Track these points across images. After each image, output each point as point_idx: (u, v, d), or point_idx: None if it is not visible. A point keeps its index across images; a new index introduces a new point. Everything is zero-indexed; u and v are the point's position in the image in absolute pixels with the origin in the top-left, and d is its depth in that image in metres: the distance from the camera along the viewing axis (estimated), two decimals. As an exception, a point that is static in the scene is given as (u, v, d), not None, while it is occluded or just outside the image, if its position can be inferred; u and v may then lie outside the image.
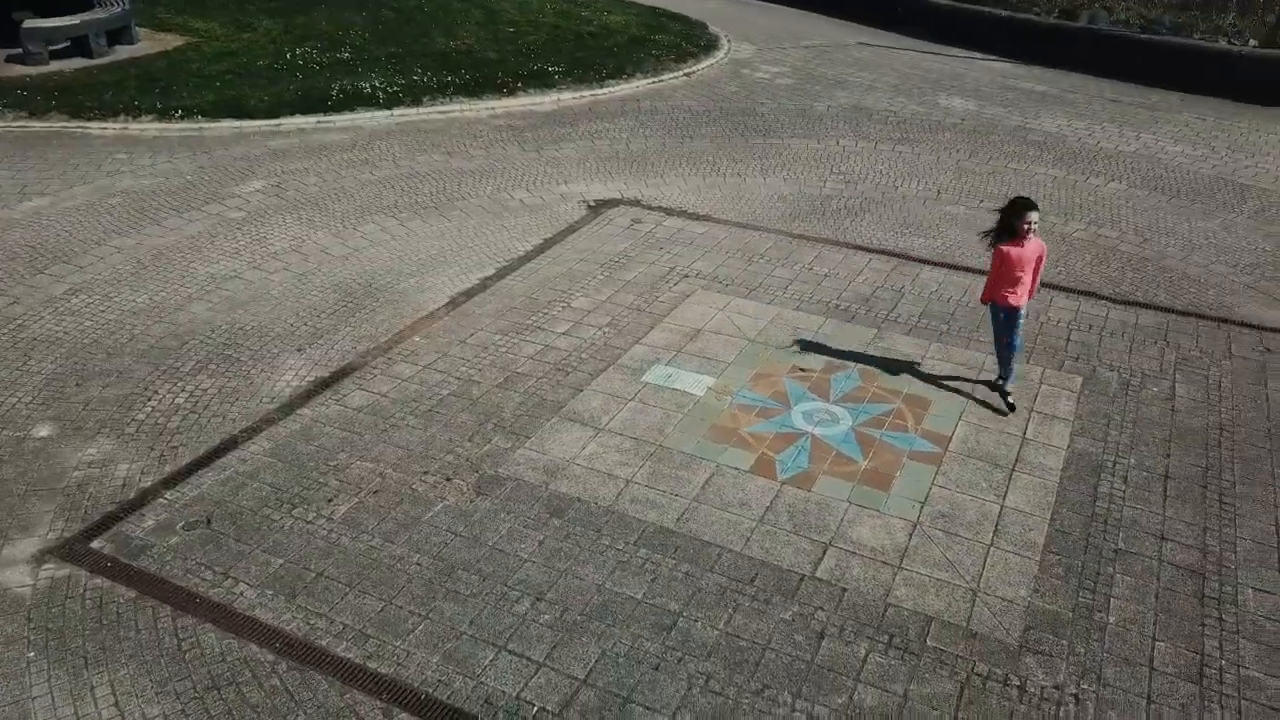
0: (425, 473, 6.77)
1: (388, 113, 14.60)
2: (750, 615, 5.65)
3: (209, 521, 6.24)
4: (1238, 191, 12.99)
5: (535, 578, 5.87)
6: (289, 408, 7.49)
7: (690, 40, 19.30)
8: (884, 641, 5.51)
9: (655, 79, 17.12)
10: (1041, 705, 5.14)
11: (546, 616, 5.59)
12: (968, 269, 10.29)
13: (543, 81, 16.05)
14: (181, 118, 13.80)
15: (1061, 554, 6.22)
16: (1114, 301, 9.71)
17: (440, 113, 14.87)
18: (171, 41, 17.20)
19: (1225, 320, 9.40)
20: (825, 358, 8.43)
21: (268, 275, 9.61)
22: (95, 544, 6.04)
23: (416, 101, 14.95)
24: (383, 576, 5.85)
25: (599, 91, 16.23)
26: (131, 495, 6.48)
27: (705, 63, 18.39)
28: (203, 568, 5.87)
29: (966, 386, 8.05)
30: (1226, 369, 8.50)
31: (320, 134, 13.85)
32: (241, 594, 5.68)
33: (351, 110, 14.49)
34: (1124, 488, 6.87)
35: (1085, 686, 5.25)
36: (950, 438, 7.37)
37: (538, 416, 7.45)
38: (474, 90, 15.45)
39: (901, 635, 5.55)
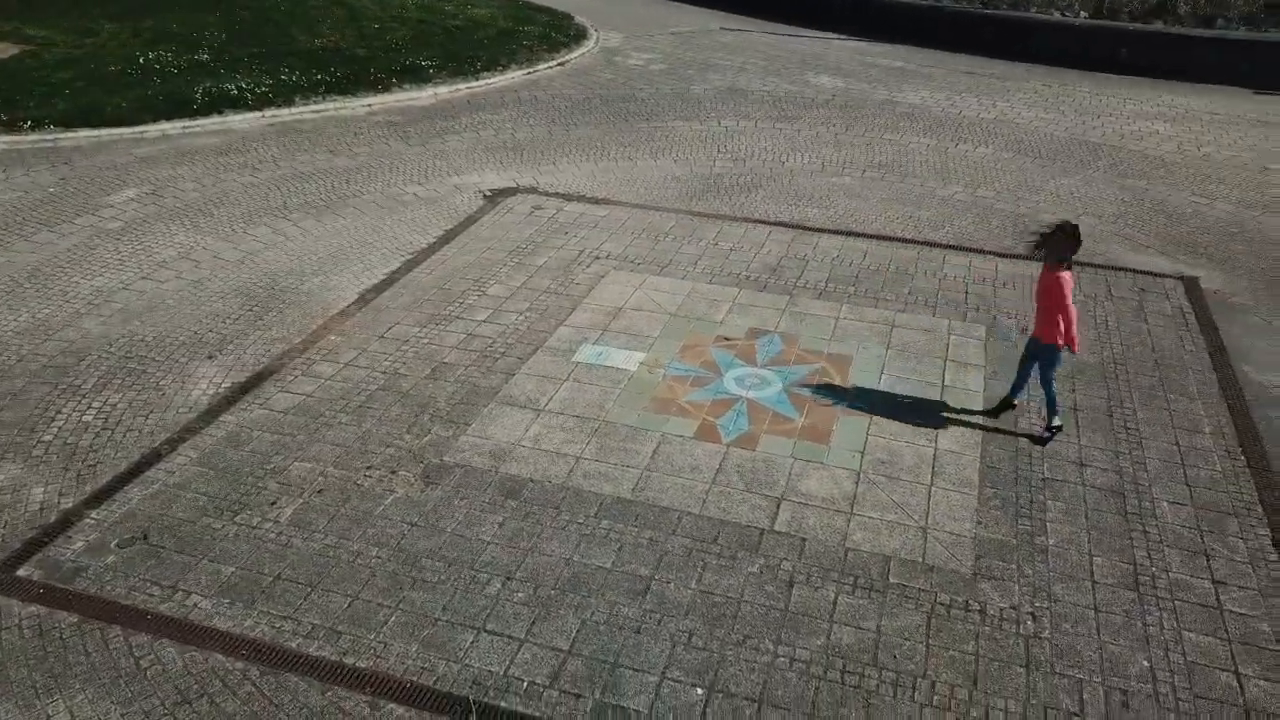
0: (369, 468, 6.60)
1: (259, 114, 14.03)
2: (719, 572, 5.76)
3: (145, 537, 5.92)
4: (1091, 150, 13.95)
5: (501, 559, 5.82)
6: (210, 415, 7.15)
7: (559, 31, 19.28)
8: (850, 583, 5.71)
9: (530, 69, 17.04)
10: (1003, 625, 5.45)
11: (520, 595, 5.56)
12: (863, 235, 10.71)
13: (417, 76, 15.74)
14: (31, 129, 12.90)
15: (996, 487, 6.59)
16: (1000, 255, 10.30)
17: (314, 112, 14.40)
18: (6, 50, 16.02)
19: (1101, 266, 10.11)
20: (746, 325, 8.62)
21: (160, 285, 9.13)
22: (22, 572, 5.64)
23: (288, 102, 14.43)
24: (344, 573, 5.68)
25: (475, 84, 16.04)
26: (53, 519, 6.08)
27: (577, 52, 18.41)
28: (148, 584, 5.56)
29: (884, 343, 8.39)
30: (1110, 310, 9.15)
31: (189, 139, 13.20)
32: (196, 605, 5.42)
33: (219, 113, 13.86)
34: (1039, 421, 7.31)
35: (1038, 604, 5.60)
36: (874, 390, 7.66)
37: (473, 403, 7.36)
38: (347, 88, 15.02)
39: (865, 575, 5.77)
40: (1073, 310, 6.70)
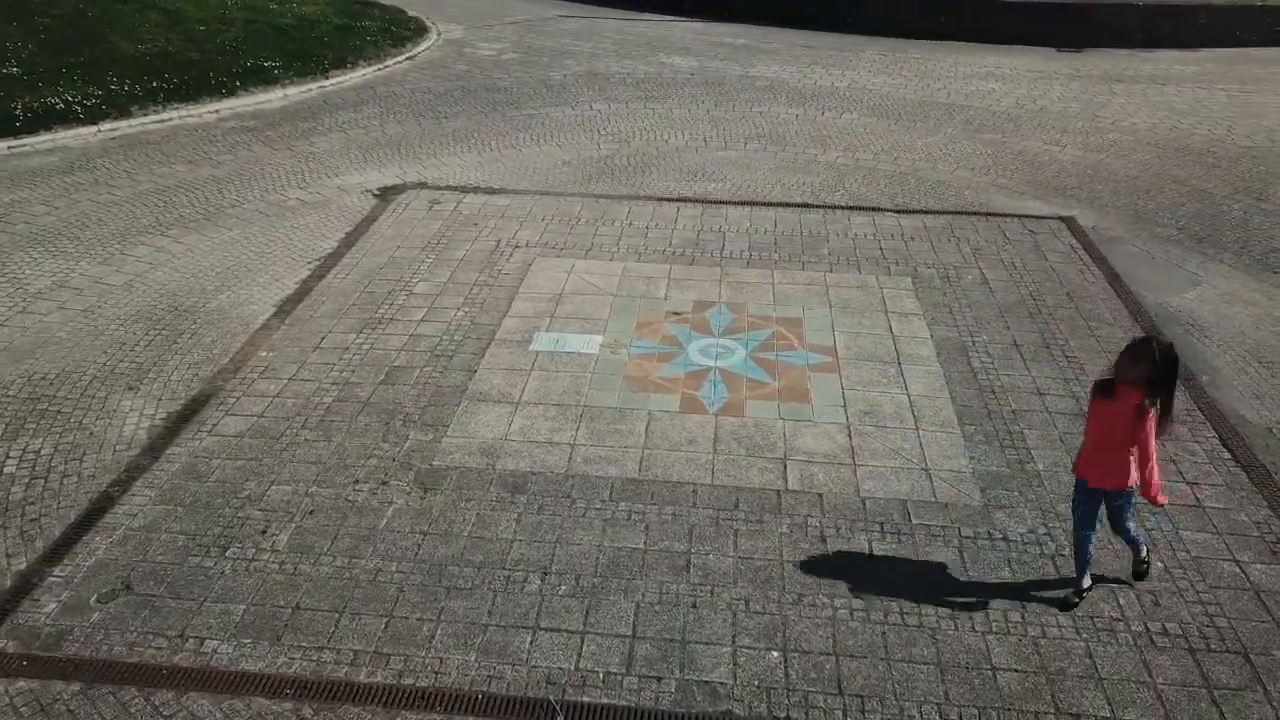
0: (355, 482, 6.18)
1: (94, 128, 12.79)
2: (752, 537, 5.76)
3: (129, 587, 5.31)
4: (945, 110, 14.79)
5: (531, 555, 5.59)
6: (154, 450, 6.49)
7: (397, 25, 18.61)
8: (876, 530, 5.84)
9: (380, 65, 16.36)
10: (1026, 549, 5.72)
11: (564, 588, 5.36)
12: (766, 204, 10.94)
13: (262, 78, 14.80)
14: None
15: (974, 424, 6.90)
16: (899, 212, 10.76)
17: (158, 122, 13.27)
18: None
19: (990, 214, 10.75)
20: (690, 299, 8.64)
21: (43, 318, 8.19)
22: (-6, 646, 4.94)
23: (124, 113, 13.23)
24: (369, 593, 5.30)
25: (326, 83, 15.25)
26: (8, 583, 5.35)
27: (423, 46, 17.83)
28: (150, 636, 5.00)
29: (825, 302, 8.60)
30: (1013, 252, 9.74)
31: (20, 159, 11.88)
32: (216, 651, 4.91)
33: (49, 130, 12.54)
34: (990, 360, 7.72)
35: (1051, 525, 5.91)
36: (834, 347, 7.86)
37: (443, 404, 7.02)
38: (188, 94, 13.93)
39: (889, 521, 5.92)
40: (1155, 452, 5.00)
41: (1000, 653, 4.98)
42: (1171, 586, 5.44)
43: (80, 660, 4.85)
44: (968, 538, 5.78)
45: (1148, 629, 5.15)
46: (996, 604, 5.30)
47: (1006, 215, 10.73)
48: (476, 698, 4.69)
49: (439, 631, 5.05)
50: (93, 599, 5.23)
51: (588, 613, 5.19)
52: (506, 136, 13.18)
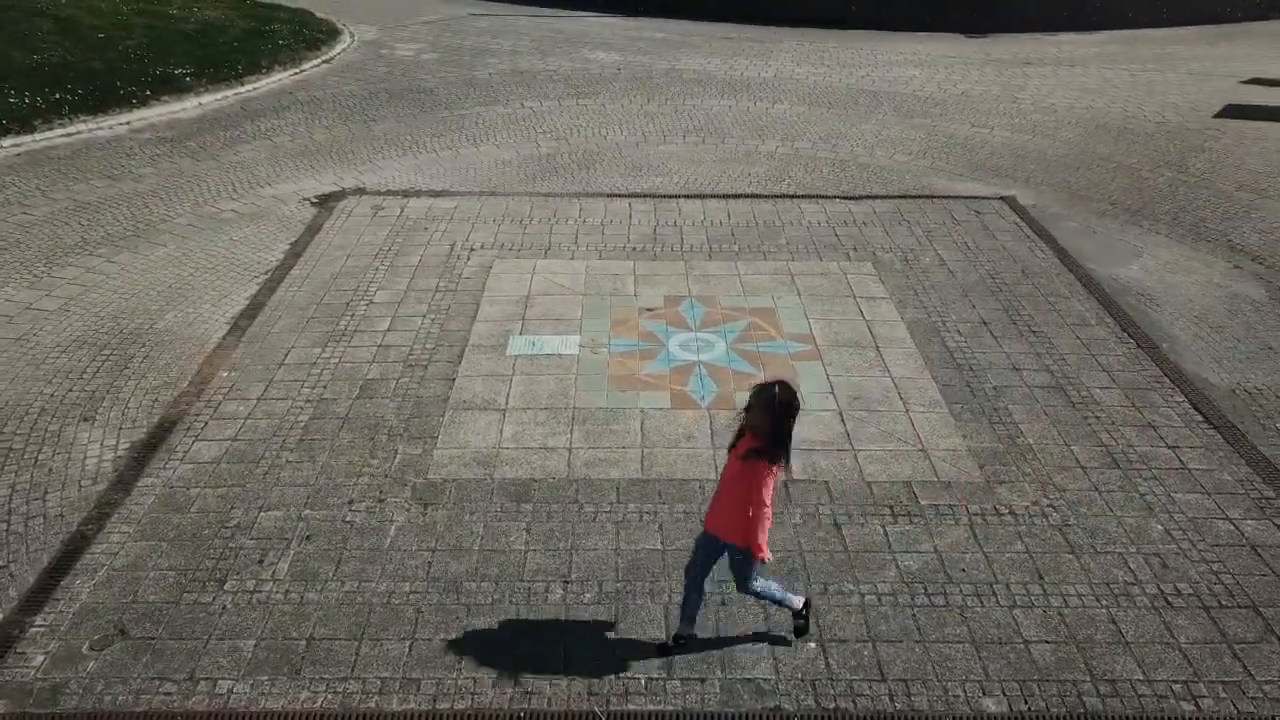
0: (349, 502, 5.91)
1: (-5, 145, 11.99)
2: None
3: (123, 631, 4.96)
4: (872, 97, 15.04)
5: (548, 564, 5.43)
6: (124, 483, 6.09)
7: (308, 27, 17.99)
8: (887, 513, 5.87)
9: (296, 70, 15.79)
10: (1034, 521, 5.82)
11: (588, 595, 5.23)
12: (716, 195, 10.93)
13: (174, 86, 14.11)
14: None
15: (960, 402, 7.00)
16: (847, 198, 10.88)
17: (65, 135, 12.52)
18: None
19: (934, 196, 10.95)
20: (660, 294, 8.55)
21: (-27, 348, 7.62)
22: (-18, 708, 4.55)
23: (27, 128, 12.44)
24: (385, 617, 5.07)
25: (242, 89, 14.63)
26: (-13, 638, 4.93)
27: (338, 48, 17.28)
28: (156, 681, 4.68)
29: (793, 290, 8.62)
30: (963, 232, 9.95)
31: (-83, 181, 11.05)
32: (233, 691, 4.63)
33: (-56, 147, 11.71)
34: (963, 339, 7.85)
35: (1052, 497, 6.03)
36: (811, 335, 7.88)
37: (427, 415, 6.79)
38: (95, 106, 13.18)
39: (897, 503, 5.95)
40: (768, 513, 4.44)
41: (1028, 626, 5.05)
42: (1175, 548, 5.60)
43: (82, 714, 4.50)
44: (976, 515, 5.85)
45: (1161, 591, 5.29)
46: (1015, 577, 5.37)
47: (950, 197, 10.95)
48: (518, 716, 4.52)
49: (467, 652, 4.86)
50: (85, 647, 4.87)
51: (618, 619, 5.07)
52: (441, 138, 12.87)
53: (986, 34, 20.53)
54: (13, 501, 5.92)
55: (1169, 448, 6.52)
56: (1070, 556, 5.52)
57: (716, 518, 4.60)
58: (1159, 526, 5.77)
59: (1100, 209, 10.74)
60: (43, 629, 4.98)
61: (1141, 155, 12.50)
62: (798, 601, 4.88)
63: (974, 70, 16.85)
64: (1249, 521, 5.83)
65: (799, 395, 4.37)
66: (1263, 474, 6.23)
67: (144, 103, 13.51)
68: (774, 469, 4.32)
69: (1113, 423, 6.78)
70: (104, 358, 7.50)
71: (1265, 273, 9.26)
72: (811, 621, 4.95)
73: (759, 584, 4.72)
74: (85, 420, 6.73)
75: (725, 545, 4.59)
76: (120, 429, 6.63)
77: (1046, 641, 4.95)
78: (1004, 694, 4.66)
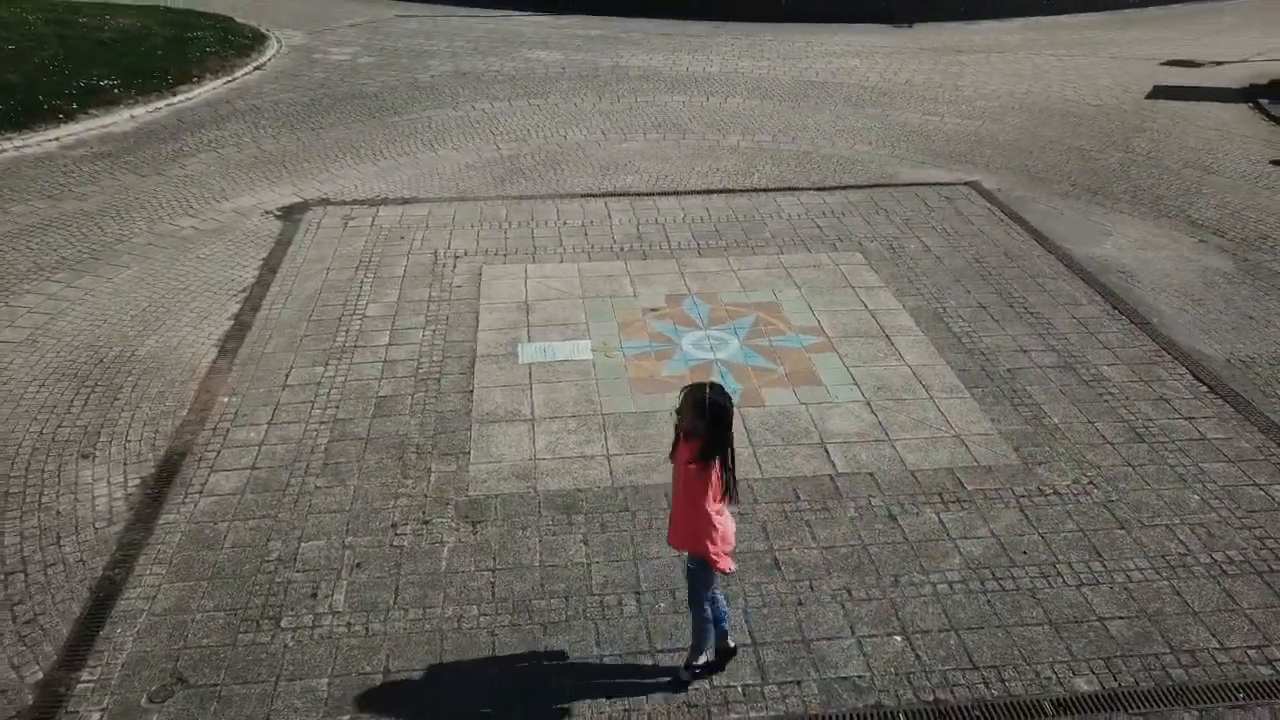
0: (393, 526, 5.67)
1: (-85, 166, 11.19)
2: (825, 525, 5.69)
3: (181, 679, 4.66)
4: (820, 89, 15.20)
5: (614, 576, 5.30)
6: (143, 522, 5.73)
7: (232, 33, 17.32)
8: (937, 500, 5.90)
9: (229, 78, 15.16)
10: (1079, 499, 5.93)
11: (662, 605, 5.12)
12: (690, 192, 10.89)
13: (102, 98, 13.39)
14: None
15: (980, 386, 7.10)
16: (819, 190, 10.97)
17: (-10, 154, 11.75)
18: None
19: (902, 184, 11.12)
20: (661, 293, 8.46)
21: (-61, 387, 7.07)
22: (43, 777, 4.21)
23: (-54, 147, 11.64)
24: (460, 642, 4.87)
25: (175, 100, 13.98)
26: (31, 699, 4.57)
27: (268, 54, 16.67)
28: (231, 733, 4.40)
29: (791, 283, 8.63)
30: (939, 219, 10.12)
31: None
32: (316, 736, 4.38)
33: None
34: (966, 324, 7.97)
35: (1089, 474, 6.15)
36: (820, 326, 7.90)
37: (453, 430, 6.57)
38: (18, 121, 12.41)
39: (945, 491, 5.99)
40: (714, 514, 4.19)
41: (1099, 603, 5.13)
42: (1215, 517, 5.77)
43: (159, 773, 4.19)
44: (1023, 496, 5.93)
45: (1215, 560, 5.44)
46: (1075, 556, 5.45)
47: (918, 185, 11.13)
48: (622, 735, 4.38)
49: (553, 673, 4.70)
50: (143, 700, 4.55)
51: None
52: (395, 144, 12.51)
53: (912, 24, 20.98)
54: (25, 549, 5.50)
55: (1185, 419, 6.73)
56: (1121, 532, 5.64)
57: (673, 530, 4.40)
58: (1195, 497, 5.94)
59: (1062, 190, 11.06)
60: (91, 684, 4.63)
61: (1088, 137, 12.92)
62: (707, 656, 4.60)
63: (911, 60, 17.19)
64: (1276, 486, 6.04)
65: (729, 396, 4.17)
66: (1277, 440, 6.47)
67: (71, 117, 12.79)
68: (710, 471, 4.11)
69: (1127, 398, 6.96)
70: (89, 389, 7.04)
71: (1229, 245, 9.65)
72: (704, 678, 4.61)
73: (708, 608, 4.43)
74: (84, 457, 6.30)
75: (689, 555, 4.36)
76: (125, 464, 6.24)
77: (1120, 617, 5.04)
78: (1092, 672, 4.72)
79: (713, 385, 4.19)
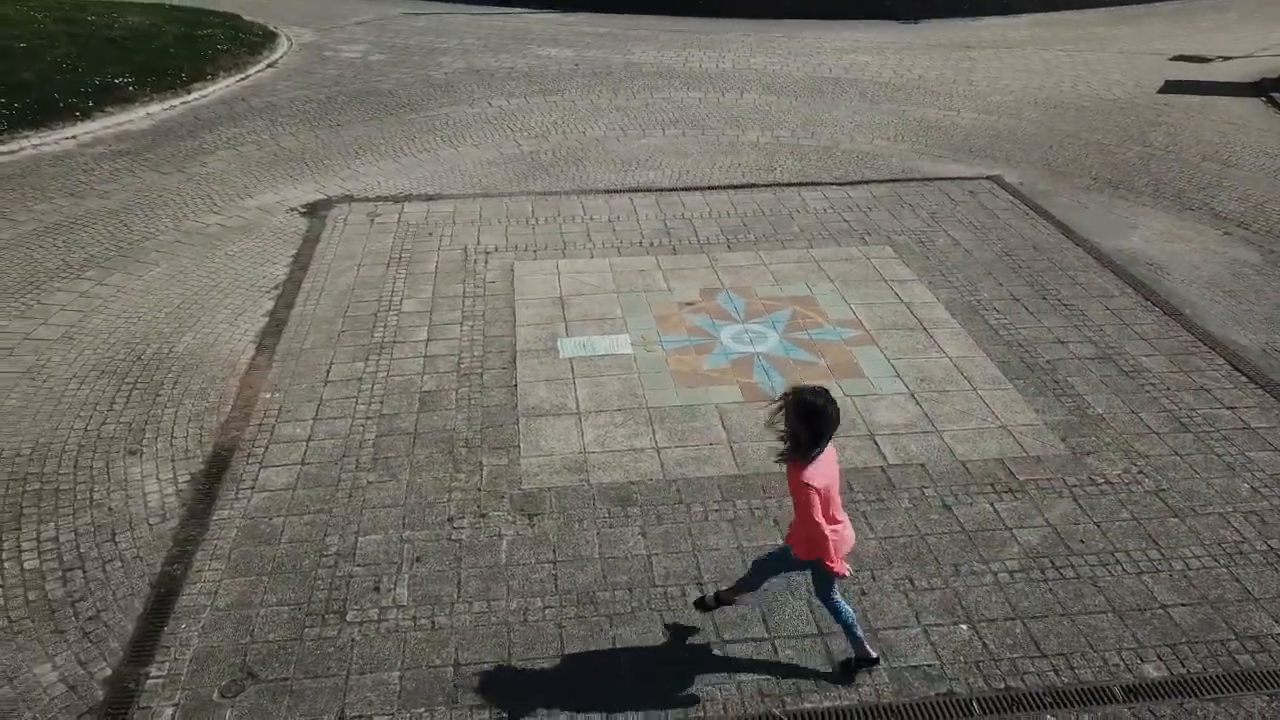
0: (449, 520, 5.67)
1: (-67, 165, 11.13)
2: (881, 516, 5.70)
3: (251, 674, 4.64)
4: (834, 85, 15.22)
5: (675, 567, 5.30)
6: (197, 518, 5.71)
7: (242, 31, 17.25)
8: (990, 491, 5.92)
9: (242, 75, 15.11)
10: (1130, 488, 5.95)
11: (726, 596, 5.11)
12: (713, 187, 10.90)
13: (117, 96, 13.33)
14: None
15: (1021, 378, 7.12)
16: (843, 184, 10.98)
17: (9, 153, 11.69)
18: None
19: (925, 179, 11.14)
20: (695, 287, 8.47)
21: (-21, 385, 7.04)
22: (122, 772, 4.19)
23: (-36, 146, 11.58)
24: (529, 635, 4.87)
25: (190, 98, 13.92)
26: (101, 695, 4.55)
27: (279, 52, 16.61)
28: (308, 726, 4.39)
29: (825, 277, 8.64)
30: (965, 212, 10.14)
31: None
32: (393, 729, 4.37)
33: (-122, 171, 10.81)
34: (1002, 316, 7.99)
35: (1139, 463, 6.18)
36: (858, 319, 7.92)
37: (500, 424, 6.56)
38: (35, 120, 12.35)
39: (996, 481, 6.01)
40: (821, 525, 4.19)
41: (1161, 591, 5.16)
42: (1267, 505, 5.80)
43: (238, 767, 4.18)
44: (1075, 486, 5.95)
45: (1271, 547, 5.47)
46: (1132, 545, 5.48)
47: (940, 179, 11.15)
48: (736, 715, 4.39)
49: (623, 664, 4.70)
50: (215, 694, 4.53)
51: (766, 618, 4.98)
52: (415, 140, 12.49)
53: (917, 20, 21.02)
54: (80, 545, 5.47)
55: (1227, 409, 6.76)
56: (1176, 520, 5.66)
57: (791, 529, 4.47)
58: (1245, 485, 5.97)
59: (1084, 184, 11.09)
60: (161, 679, 4.62)
61: (1105, 131, 12.96)
62: (868, 649, 4.61)
63: (921, 55, 17.22)
64: (1323, 475, 6.08)
65: (829, 400, 4.13)
66: (1321, 428, 6.51)
67: (88, 115, 12.72)
68: (803, 474, 4.12)
69: (1167, 388, 6.99)
70: (130, 386, 7.01)
71: (1254, 237, 9.70)
72: (859, 676, 4.62)
73: (838, 599, 4.52)
74: (132, 454, 6.28)
75: (803, 561, 4.41)
76: (173, 461, 6.22)
77: (1182, 604, 5.07)
78: (1159, 659, 4.74)
79: (801, 388, 4.20)
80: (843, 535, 4.34)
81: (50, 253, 9.12)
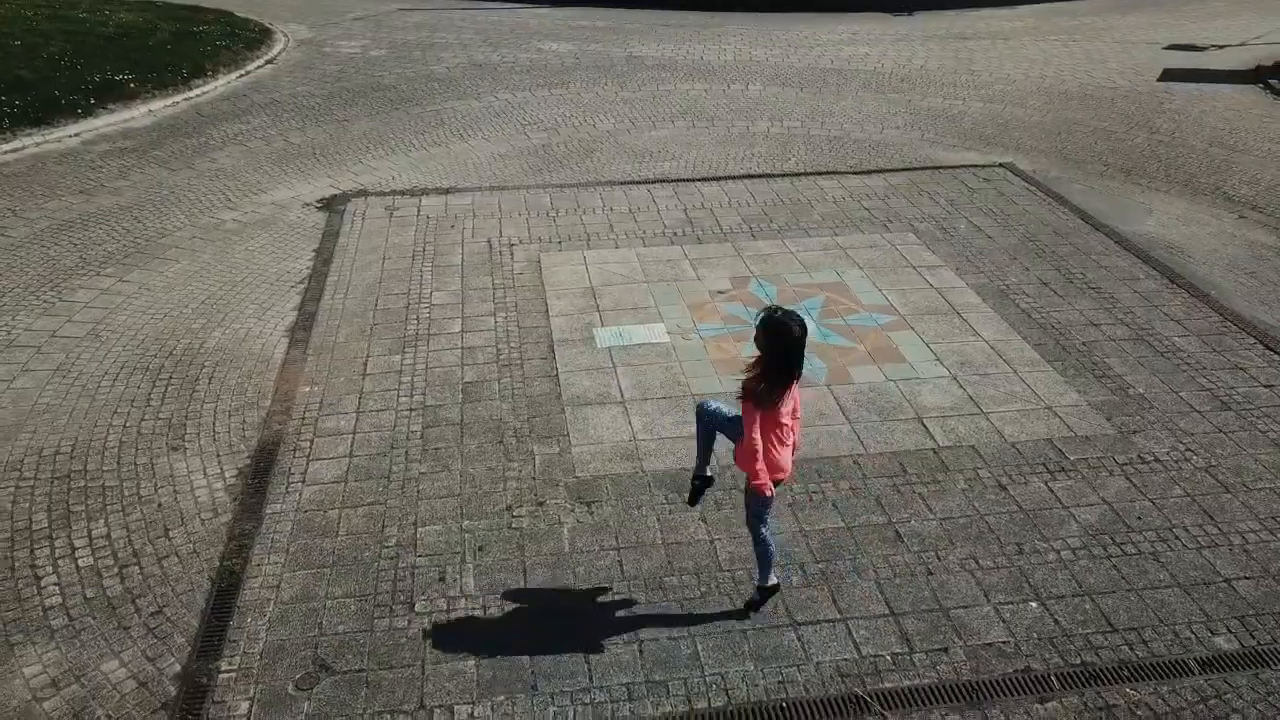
0: (508, 509, 5.63)
1: (-64, 165, 10.94)
2: (939, 497, 5.72)
3: (326, 666, 4.59)
4: (837, 75, 15.25)
5: (740, 552, 5.29)
6: (250, 512, 5.64)
7: (238, 28, 17.08)
8: (1043, 470, 5.95)
9: (242, 72, 14.96)
10: (1180, 466, 6.00)
11: (794, 579, 5.12)
12: (730, 177, 10.89)
13: (118, 93, 13.16)
14: None
15: (1057, 359, 7.16)
16: (859, 173, 11.00)
17: (12, 151, 11.51)
18: None
19: (939, 167, 11.18)
20: (724, 276, 8.46)
21: (9, 385, 6.92)
22: (206, 766, 4.13)
23: (-34, 144, 11.39)
24: (600, 621, 4.84)
25: (192, 94, 13.76)
26: (173, 690, 4.49)
27: (277, 49, 16.45)
28: (389, 715, 4.34)
29: (853, 264, 8.66)
30: (983, 199, 10.18)
31: None
32: (475, 717, 4.33)
33: (-119, 171, 10.61)
34: (1033, 300, 8.04)
35: (1185, 442, 6.23)
36: (892, 305, 7.93)
37: (547, 414, 6.52)
38: (37, 118, 12.17)
39: (1048, 461, 6.04)
40: (756, 441, 4.35)
41: (1222, 565, 5.20)
42: (1315, 478, 5.86)
43: (324, 758, 4.13)
44: (1125, 464, 5.99)
45: (1324, 520, 5.51)
46: (1189, 520, 5.52)
47: (954, 167, 11.20)
48: (779, 708, 4.38)
49: (698, 647, 4.68)
50: (290, 688, 4.48)
51: (834, 599, 4.97)
52: (424, 134, 12.40)
53: (913, 12, 21.10)
54: (134, 542, 5.39)
55: (1265, 387, 6.83)
56: (1228, 496, 5.71)
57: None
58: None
59: (1097, 170, 11.17)
60: (232, 674, 4.56)
61: (1110, 119, 13.06)
62: (770, 577, 4.78)
63: (919, 46, 17.28)
64: (1367, 449, 6.14)
65: (799, 322, 4.24)
66: (1360, 404, 6.58)
67: (90, 112, 12.56)
68: (752, 395, 4.28)
69: (1203, 367, 7.05)
70: (164, 382, 6.92)
71: (1269, 220, 9.80)
72: (767, 605, 4.84)
73: (765, 532, 4.66)
74: (174, 450, 6.20)
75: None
76: (218, 456, 6.14)
77: (1245, 578, 5.11)
78: (1229, 631, 4.78)
79: (773, 307, 4.35)
80: (774, 459, 4.43)
81: (67, 250, 8.99)
